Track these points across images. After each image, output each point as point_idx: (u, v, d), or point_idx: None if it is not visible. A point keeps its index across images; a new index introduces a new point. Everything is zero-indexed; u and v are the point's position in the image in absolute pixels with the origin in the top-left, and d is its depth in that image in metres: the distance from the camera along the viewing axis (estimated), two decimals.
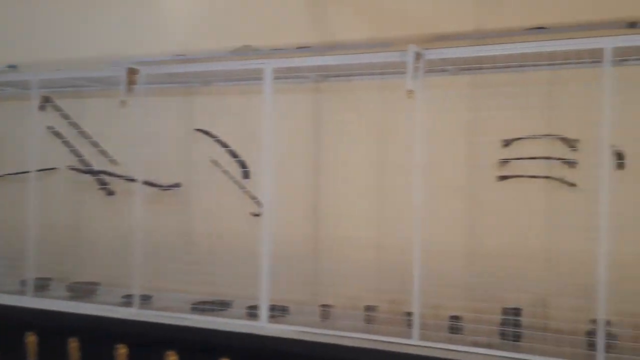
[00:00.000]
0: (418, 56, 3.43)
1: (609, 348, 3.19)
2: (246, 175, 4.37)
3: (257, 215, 4.08)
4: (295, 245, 4.16)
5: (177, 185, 4.64)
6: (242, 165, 4.39)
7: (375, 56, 3.63)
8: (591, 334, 3.29)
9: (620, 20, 3.48)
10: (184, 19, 4.76)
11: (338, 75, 4.07)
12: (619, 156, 3.51)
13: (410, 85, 3.41)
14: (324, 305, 3.97)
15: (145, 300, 4.21)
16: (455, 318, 3.67)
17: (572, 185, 3.65)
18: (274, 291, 3.85)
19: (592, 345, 3.24)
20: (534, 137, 3.72)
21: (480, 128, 3.79)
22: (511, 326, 3.51)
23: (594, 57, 3.29)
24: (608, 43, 3.18)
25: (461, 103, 3.84)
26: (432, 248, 3.64)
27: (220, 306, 4.13)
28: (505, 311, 3.56)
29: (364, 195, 4.08)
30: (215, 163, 4.48)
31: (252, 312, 3.92)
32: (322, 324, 3.81)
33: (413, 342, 3.49)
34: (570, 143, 3.66)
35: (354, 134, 4.08)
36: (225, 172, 4.45)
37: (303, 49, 4.15)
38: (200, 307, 4.08)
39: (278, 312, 3.92)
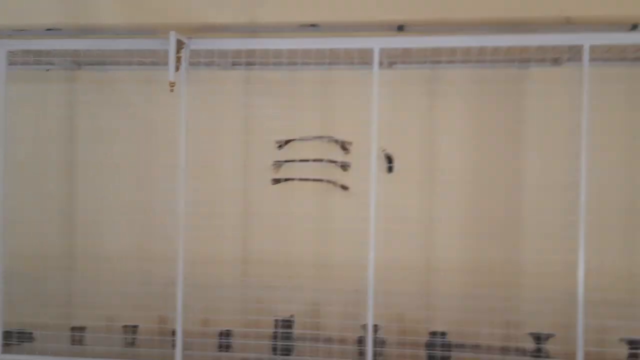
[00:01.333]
0: (180, 45, 3.09)
1: (377, 355, 3.16)
2: None
3: None
4: (42, 260, 3.63)
5: None
6: None
7: (133, 42, 3.27)
8: (361, 341, 3.23)
9: (390, 22, 3.47)
10: None
11: (93, 64, 3.59)
12: (389, 159, 3.50)
13: (172, 77, 3.06)
14: (75, 328, 3.52)
15: None
16: (225, 334, 3.41)
17: (345, 188, 3.56)
18: (11, 314, 3.38)
19: (362, 354, 3.18)
20: (308, 139, 3.58)
21: (254, 128, 3.57)
22: (282, 339, 3.34)
23: (364, 59, 3.23)
24: (376, 43, 3.14)
25: (233, 100, 3.58)
26: (201, 258, 3.39)
27: None
28: (277, 323, 3.38)
29: (125, 201, 3.65)
30: None
31: None
32: (71, 351, 3.42)
33: None
34: (344, 145, 3.58)
35: (113, 130, 3.63)
36: None
37: (51, 32, 3.60)
38: None
39: (16, 339, 3.44)
